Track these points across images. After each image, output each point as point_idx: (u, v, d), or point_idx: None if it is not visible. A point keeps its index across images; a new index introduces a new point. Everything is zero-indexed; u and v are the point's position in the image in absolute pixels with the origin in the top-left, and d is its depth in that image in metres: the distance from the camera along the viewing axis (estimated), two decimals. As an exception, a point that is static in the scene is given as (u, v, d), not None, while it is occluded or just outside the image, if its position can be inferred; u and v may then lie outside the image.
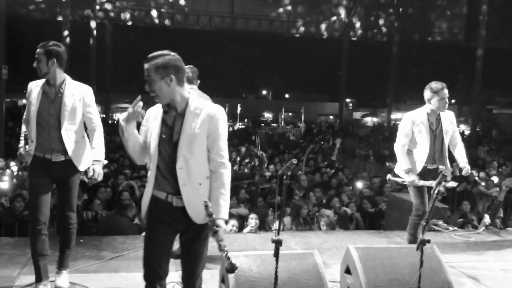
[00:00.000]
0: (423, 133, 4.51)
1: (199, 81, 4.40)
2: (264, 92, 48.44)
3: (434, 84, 4.48)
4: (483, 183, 9.35)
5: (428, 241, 3.04)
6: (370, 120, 36.04)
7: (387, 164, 11.69)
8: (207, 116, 2.55)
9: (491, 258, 4.98)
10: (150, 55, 2.52)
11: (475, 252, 5.18)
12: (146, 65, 2.49)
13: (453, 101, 35.76)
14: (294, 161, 2.64)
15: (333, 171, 10.62)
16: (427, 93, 4.51)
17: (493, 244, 5.48)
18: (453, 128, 4.67)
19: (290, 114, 35.80)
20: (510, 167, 11.46)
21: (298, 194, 7.90)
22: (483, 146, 16.32)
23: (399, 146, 4.60)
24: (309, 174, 10.02)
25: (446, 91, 4.51)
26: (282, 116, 31.36)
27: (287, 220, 6.47)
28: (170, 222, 2.58)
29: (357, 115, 39.03)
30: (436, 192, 3.09)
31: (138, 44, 28.27)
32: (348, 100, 34.88)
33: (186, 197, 2.53)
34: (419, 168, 4.55)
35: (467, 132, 23.13)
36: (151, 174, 2.60)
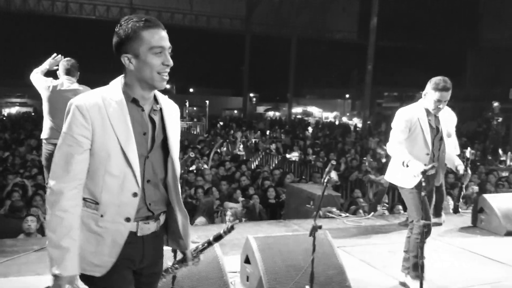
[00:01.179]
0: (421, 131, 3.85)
1: (78, 73, 4.62)
2: (168, 86, 47.53)
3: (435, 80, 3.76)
4: (372, 172, 10.07)
5: (320, 227, 3.22)
6: (272, 114, 37.07)
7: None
8: None
9: (379, 241, 5.41)
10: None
11: (365, 236, 5.60)
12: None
13: (347, 96, 38.23)
14: (192, 154, 2.67)
15: (236, 164, 10.82)
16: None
17: (381, 228, 5.96)
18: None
19: (194, 108, 35.61)
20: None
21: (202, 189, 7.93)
22: (374, 137, 17.55)
23: (395, 144, 3.86)
24: (213, 168, 10.11)
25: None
26: (187, 111, 31.11)
27: (201, 221, 6.45)
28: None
29: (260, 109, 39.90)
30: (326, 180, 3.29)
31: (26, 33, 26.33)
32: (251, 94, 35.55)
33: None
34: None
35: (360, 125, 24.72)
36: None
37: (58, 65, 4.67)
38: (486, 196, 6.29)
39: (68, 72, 4.59)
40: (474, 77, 27.52)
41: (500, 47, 24.29)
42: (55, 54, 4.72)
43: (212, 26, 27.05)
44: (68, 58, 4.69)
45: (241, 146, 15.00)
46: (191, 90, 46.51)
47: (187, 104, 31.56)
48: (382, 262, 4.64)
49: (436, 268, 4.42)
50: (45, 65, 4.67)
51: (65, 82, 4.55)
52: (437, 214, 5.89)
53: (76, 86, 4.57)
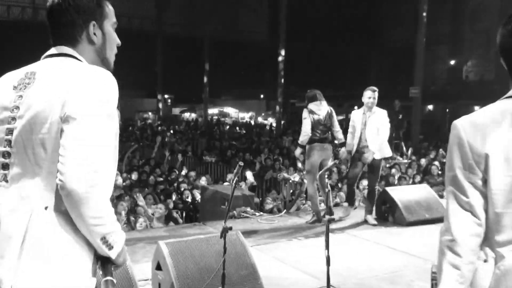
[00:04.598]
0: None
1: None
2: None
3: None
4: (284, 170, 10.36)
5: (230, 228, 3.26)
6: (188, 115, 36.75)
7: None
8: None
9: (291, 238, 5.58)
10: None
11: (278, 233, 5.75)
12: None
13: (261, 96, 38.96)
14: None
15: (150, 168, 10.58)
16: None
17: (293, 226, 6.15)
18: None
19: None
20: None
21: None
22: (288, 136, 18.04)
23: None
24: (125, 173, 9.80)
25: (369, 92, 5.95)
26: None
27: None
28: None
29: (176, 110, 39.38)
30: (234, 181, 3.34)
31: None
32: (166, 96, 34.96)
33: None
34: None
35: (274, 124, 25.28)
36: None
37: None
38: (388, 189, 6.72)
39: None
40: (377, 77, 29.29)
41: (400, 48, 26.03)
42: None
43: (122, 26, 26.26)
44: None
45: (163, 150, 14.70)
46: (102, 92, 44.76)
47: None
48: (294, 258, 4.79)
49: (342, 259, 4.65)
50: None
51: None
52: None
53: None
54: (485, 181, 1.35)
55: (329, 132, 6.14)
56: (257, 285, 3.76)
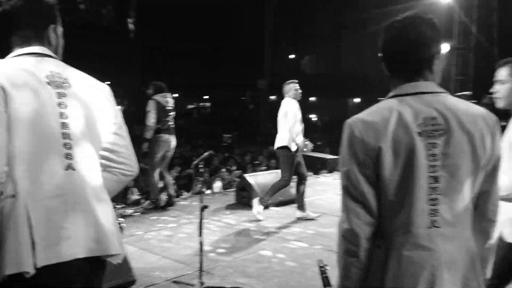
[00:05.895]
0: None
1: None
2: None
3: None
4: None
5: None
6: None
7: None
8: None
9: (155, 228, 5.58)
10: None
11: (142, 225, 5.71)
12: None
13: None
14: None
15: None
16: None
17: (154, 216, 6.12)
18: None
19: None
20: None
21: None
22: (138, 125, 17.66)
23: None
24: None
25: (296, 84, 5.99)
26: None
27: None
28: None
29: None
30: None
31: None
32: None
33: None
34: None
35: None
36: None
37: None
38: (245, 175, 7.12)
39: None
40: (231, 67, 30.26)
41: (249, 41, 27.20)
42: None
43: None
44: None
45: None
46: None
47: None
48: (161, 248, 4.83)
49: (209, 244, 4.84)
50: None
51: None
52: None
53: None
54: (377, 174, 1.47)
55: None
56: (128, 277, 3.73)
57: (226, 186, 9.03)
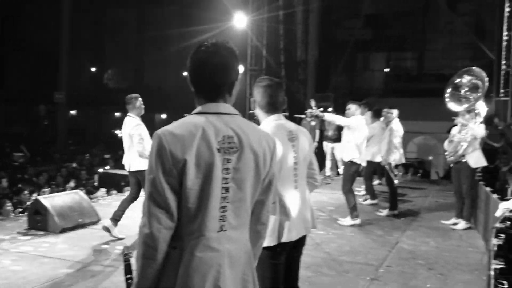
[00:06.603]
0: None
1: None
2: None
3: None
4: None
5: None
6: None
7: None
8: None
9: None
10: None
11: None
12: None
13: None
14: None
15: None
16: None
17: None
18: None
19: None
20: None
21: None
22: None
23: None
24: None
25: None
26: None
27: None
28: None
29: None
30: None
31: None
32: None
33: None
34: None
35: None
36: None
37: None
38: (39, 198, 6.52)
39: None
40: (18, 79, 27.21)
41: (44, 51, 24.94)
42: None
43: None
44: None
45: None
46: None
47: None
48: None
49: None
50: None
51: None
52: None
53: None
54: (181, 182, 1.63)
55: None
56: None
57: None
